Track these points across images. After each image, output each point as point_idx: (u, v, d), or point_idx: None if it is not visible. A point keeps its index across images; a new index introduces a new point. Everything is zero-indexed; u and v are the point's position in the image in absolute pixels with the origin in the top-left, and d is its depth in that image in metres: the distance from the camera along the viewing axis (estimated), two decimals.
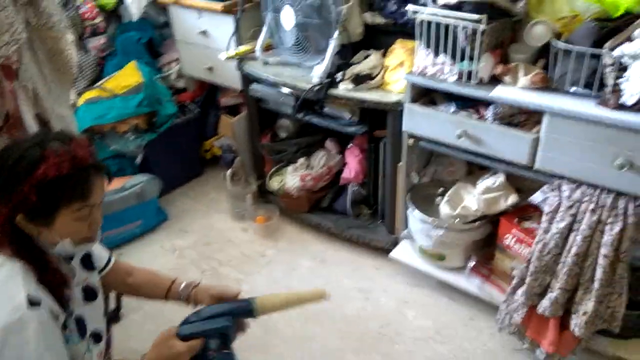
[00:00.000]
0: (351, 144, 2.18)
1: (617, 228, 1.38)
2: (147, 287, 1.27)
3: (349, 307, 1.88)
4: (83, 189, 0.97)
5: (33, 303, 0.92)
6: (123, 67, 2.41)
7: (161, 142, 2.42)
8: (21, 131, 1.50)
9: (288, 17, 1.92)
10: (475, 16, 1.40)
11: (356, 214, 2.18)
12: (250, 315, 1.12)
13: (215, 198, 2.56)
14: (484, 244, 1.82)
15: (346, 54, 1.97)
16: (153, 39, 2.64)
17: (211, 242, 2.26)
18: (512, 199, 1.68)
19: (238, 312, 1.12)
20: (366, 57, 1.90)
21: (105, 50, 2.52)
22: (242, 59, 2.14)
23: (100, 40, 2.49)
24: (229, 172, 2.33)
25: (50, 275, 1.00)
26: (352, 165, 2.14)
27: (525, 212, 1.70)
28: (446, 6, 1.47)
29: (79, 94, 2.30)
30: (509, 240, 1.68)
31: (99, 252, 1.22)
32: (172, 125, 2.45)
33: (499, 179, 1.69)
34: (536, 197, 1.55)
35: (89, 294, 1.13)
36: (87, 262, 1.15)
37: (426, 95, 1.73)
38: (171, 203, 2.52)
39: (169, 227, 2.37)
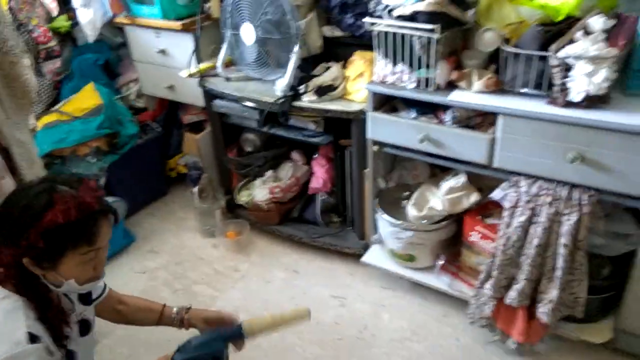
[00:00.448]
0: (317, 154, 2.22)
1: (573, 218, 1.46)
2: (138, 314, 1.30)
3: (325, 315, 1.91)
4: (90, 234, 0.99)
5: (33, 339, 0.95)
6: (81, 90, 2.37)
7: (124, 163, 2.38)
8: None
9: (248, 34, 1.95)
10: (429, 26, 1.46)
11: (326, 222, 2.22)
12: (240, 338, 1.21)
13: (182, 217, 2.54)
14: (451, 242, 1.88)
15: (307, 67, 2.02)
16: (110, 60, 2.61)
17: (182, 261, 2.24)
18: (474, 197, 1.75)
19: (229, 336, 1.21)
20: (327, 69, 1.95)
21: (61, 74, 2.47)
22: (203, 76, 2.15)
23: (55, 64, 2.44)
24: (196, 189, 2.32)
25: (51, 313, 1.02)
26: (320, 175, 2.18)
27: (487, 209, 1.78)
28: (401, 17, 1.54)
29: (37, 119, 2.24)
30: (473, 237, 1.75)
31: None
32: (135, 146, 2.42)
33: (461, 179, 1.76)
34: (496, 194, 1.63)
35: (84, 328, 1.15)
36: (86, 297, 1.17)
37: (387, 103, 1.78)
38: (138, 224, 2.48)
39: (137, 249, 2.33)
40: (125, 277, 2.15)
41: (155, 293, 2.06)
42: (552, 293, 1.53)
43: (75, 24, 2.45)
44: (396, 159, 2.04)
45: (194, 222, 2.46)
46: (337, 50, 2.01)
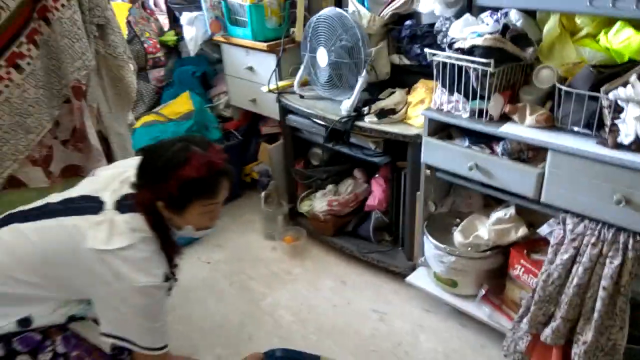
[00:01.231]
0: (377, 174, 2.33)
1: (616, 262, 1.44)
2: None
3: (364, 326, 1.99)
4: (214, 190, 1.23)
5: (166, 278, 1.22)
6: (178, 96, 2.70)
7: None
8: (85, 144, 1.77)
9: (322, 57, 2.13)
10: (484, 60, 1.54)
11: (378, 239, 2.31)
12: None
13: (250, 219, 2.76)
14: (497, 274, 1.89)
15: (375, 91, 2.15)
16: (207, 73, 2.94)
17: (243, 258, 2.44)
18: (522, 231, 1.76)
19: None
20: (391, 94, 2.07)
21: (163, 81, 2.83)
22: (281, 92, 2.37)
23: (160, 72, 2.81)
24: (263, 194, 2.53)
25: (170, 250, 1.26)
26: (377, 194, 2.28)
27: (535, 245, 1.77)
28: (459, 50, 1.63)
29: (137, 118, 2.59)
30: (518, 270, 1.75)
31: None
32: None
33: (510, 211, 1.78)
34: (543, 230, 1.64)
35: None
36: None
37: (444, 130, 1.86)
38: None
39: (206, 242, 2.57)
40: (192, 265, 2.39)
41: (214, 282, 2.27)
42: (587, 335, 1.49)
43: (180, 39, 2.80)
44: (452, 187, 2.09)
45: (258, 225, 2.66)
46: (404, 78, 2.12)
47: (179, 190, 1.17)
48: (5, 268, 1.18)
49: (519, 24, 1.69)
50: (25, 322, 1.21)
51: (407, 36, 2.02)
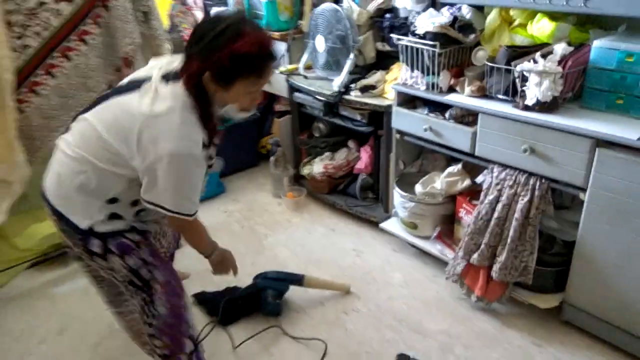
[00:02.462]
0: (366, 144, 2.79)
1: (526, 199, 1.86)
2: None
3: (343, 260, 2.46)
4: (261, 70, 1.24)
5: (204, 146, 1.28)
6: None
7: (228, 135, 3.18)
8: None
9: (320, 44, 2.62)
10: (432, 43, 1.99)
11: (363, 197, 2.77)
12: (299, 284, 2.09)
13: (263, 182, 3.27)
14: (449, 219, 2.31)
15: (363, 72, 2.61)
16: None
17: (253, 209, 2.96)
18: (467, 182, 2.19)
19: (293, 280, 2.10)
20: (374, 74, 2.53)
21: None
22: (289, 74, 2.87)
23: None
24: (272, 158, 3.03)
25: (210, 124, 1.29)
26: (364, 159, 2.75)
27: (475, 193, 2.19)
28: (417, 35, 2.08)
29: None
30: (461, 213, 2.18)
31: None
32: (237, 123, 3.21)
33: (458, 166, 2.21)
34: (479, 179, 2.07)
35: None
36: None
37: (411, 102, 2.31)
38: (230, 181, 3.27)
39: (225, 197, 3.11)
40: (212, 213, 2.91)
41: (229, 225, 2.79)
42: (502, 256, 1.92)
43: None
44: (422, 151, 2.53)
45: (269, 186, 3.17)
46: (386, 61, 2.58)
47: (230, 61, 1.16)
48: (83, 151, 1.30)
49: (468, 16, 2.12)
50: (113, 201, 1.34)
51: (388, 27, 2.48)
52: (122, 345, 1.96)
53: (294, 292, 2.16)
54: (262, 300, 2.07)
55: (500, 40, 2.06)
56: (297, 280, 2.14)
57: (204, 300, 2.17)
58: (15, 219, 2.24)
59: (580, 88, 1.83)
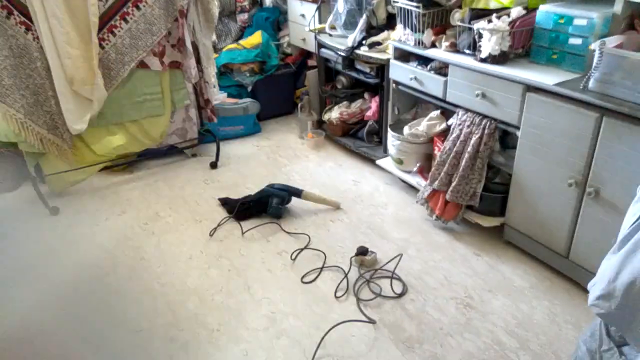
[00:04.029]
0: (377, 95, 3.26)
1: (477, 136, 2.28)
2: None
3: (342, 186, 2.99)
4: None
5: None
6: (253, 34, 3.83)
7: (266, 83, 3.78)
8: (183, 48, 2.95)
9: (341, 5, 3.10)
10: (415, 4, 2.42)
11: (369, 140, 3.26)
12: (298, 196, 2.63)
13: (294, 127, 3.84)
14: (429, 158, 2.76)
15: (376, 32, 3.07)
16: (278, 19, 4.03)
17: (280, 146, 3.54)
18: (443, 125, 2.62)
19: (293, 192, 2.64)
20: (382, 32, 2.99)
21: (246, 22, 3.98)
22: (318, 32, 3.38)
23: (244, 16, 3.96)
24: (299, 104, 3.58)
25: None
26: (373, 108, 3.23)
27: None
28: None
29: (224, 46, 3.76)
30: (436, 151, 2.63)
31: None
32: (275, 74, 3.80)
33: (437, 112, 2.65)
34: (449, 121, 2.50)
35: None
36: None
37: (407, 56, 2.75)
38: (266, 124, 3.88)
39: (259, 136, 3.72)
40: (247, 147, 3.53)
41: (257, 156, 3.40)
42: (455, 182, 2.36)
43: None
44: (418, 101, 2.97)
45: (296, 130, 3.74)
46: (394, 22, 3.01)
47: None
48: None
49: None
50: None
51: None
52: (164, 225, 2.64)
53: (294, 203, 2.74)
54: (268, 204, 2.66)
55: (480, 4, 2.45)
56: (297, 192, 2.70)
57: (226, 202, 2.80)
58: (95, 130, 2.97)
59: (530, 46, 2.21)
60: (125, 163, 3.24)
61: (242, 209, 2.69)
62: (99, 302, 2.14)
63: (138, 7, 2.79)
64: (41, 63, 2.64)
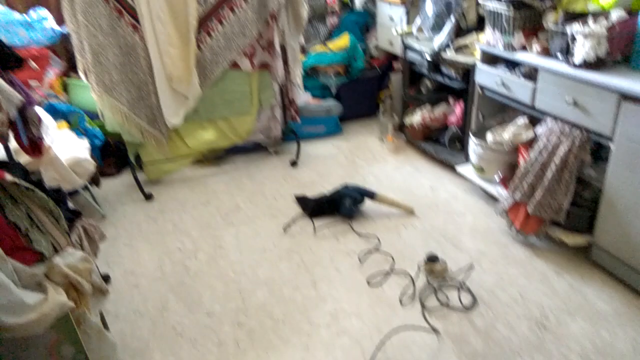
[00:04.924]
0: (461, 100, 3.17)
1: (566, 147, 2.14)
2: None
3: (418, 190, 2.94)
4: None
5: None
6: (340, 36, 3.89)
7: (350, 86, 3.82)
8: (273, 50, 3.07)
9: (429, 8, 3.05)
10: (505, 6, 2.32)
11: (450, 146, 3.17)
12: (372, 198, 2.64)
13: (375, 129, 3.84)
14: (513, 167, 2.63)
15: (466, 34, 2.99)
16: (367, 23, 4.06)
17: (359, 148, 3.57)
18: (530, 134, 2.48)
19: (367, 194, 2.65)
20: (471, 35, 2.89)
21: (335, 26, 4.05)
22: (405, 35, 3.35)
23: (334, 19, 4.03)
24: (381, 107, 3.58)
25: None
26: (457, 113, 3.14)
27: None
28: (499, 1, 2.42)
29: (313, 48, 3.86)
30: (521, 160, 2.49)
31: None
32: (360, 77, 3.82)
33: (524, 120, 2.52)
34: (537, 129, 2.37)
35: None
36: None
37: (495, 60, 2.64)
38: (347, 126, 3.92)
39: (340, 136, 3.77)
40: (326, 147, 3.60)
41: (336, 156, 3.45)
42: (540, 195, 2.23)
43: None
44: (505, 108, 2.84)
45: (376, 132, 3.74)
46: (484, 24, 2.91)
47: None
48: None
49: None
50: None
51: None
52: (243, 217, 2.78)
53: (368, 205, 2.75)
54: (341, 204, 2.69)
55: (574, 7, 2.29)
56: (371, 194, 2.71)
57: (301, 200, 2.88)
58: (188, 125, 3.20)
59: (630, 52, 2.02)
60: (214, 157, 3.45)
61: (316, 207, 2.75)
62: (178, 284, 2.31)
63: (233, 11, 2.96)
64: (145, 61, 2.90)
